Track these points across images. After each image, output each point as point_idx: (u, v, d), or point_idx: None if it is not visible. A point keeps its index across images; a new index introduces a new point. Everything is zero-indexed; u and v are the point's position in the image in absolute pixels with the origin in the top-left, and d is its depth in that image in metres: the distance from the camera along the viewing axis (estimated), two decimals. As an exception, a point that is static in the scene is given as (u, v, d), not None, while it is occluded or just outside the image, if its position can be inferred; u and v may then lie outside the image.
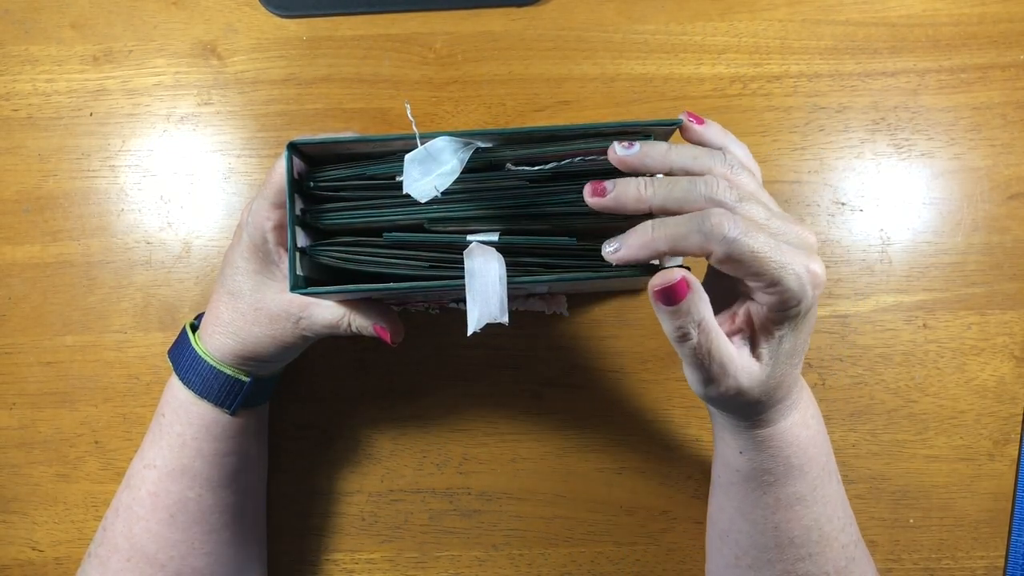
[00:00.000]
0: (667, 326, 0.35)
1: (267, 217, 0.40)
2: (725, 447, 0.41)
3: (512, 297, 0.50)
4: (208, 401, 0.43)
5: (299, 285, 0.37)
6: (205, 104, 0.53)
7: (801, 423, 0.39)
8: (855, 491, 0.52)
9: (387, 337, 0.42)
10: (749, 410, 0.38)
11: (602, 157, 0.37)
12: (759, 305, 0.36)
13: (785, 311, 0.35)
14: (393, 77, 0.52)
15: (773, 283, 0.34)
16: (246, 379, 0.43)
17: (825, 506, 0.40)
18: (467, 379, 0.53)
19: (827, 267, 0.52)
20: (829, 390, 0.52)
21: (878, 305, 0.52)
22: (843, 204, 0.52)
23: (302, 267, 0.38)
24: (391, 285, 0.37)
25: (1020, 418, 0.52)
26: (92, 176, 0.53)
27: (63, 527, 0.53)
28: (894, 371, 0.52)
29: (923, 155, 0.52)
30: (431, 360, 0.53)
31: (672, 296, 0.34)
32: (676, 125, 0.37)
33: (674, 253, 0.35)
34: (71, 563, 0.53)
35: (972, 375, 0.52)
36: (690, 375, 0.37)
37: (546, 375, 0.53)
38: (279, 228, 0.40)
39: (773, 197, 0.37)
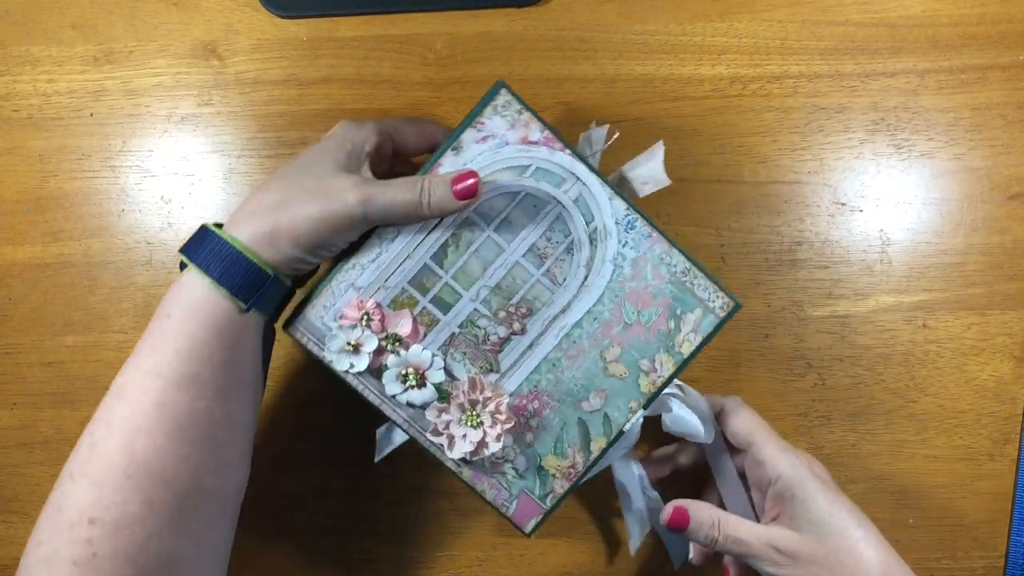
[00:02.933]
0: (695, 543, 0.43)
1: (367, 140, 0.44)
2: None
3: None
4: (225, 289, 0.40)
5: None
6: (205, 104, 0.53)
7: None
8: (855, 491, 0.52)
9: (470, 178, 0.42)
10: None
11: None
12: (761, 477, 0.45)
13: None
14: (393, 78, 0.53)
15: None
16: (271, 272, 0.41)
17: None
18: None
19: (827, 267, 0.52)
20: (829, 390, 0.52)
21: (878, 305, 0.52)
22: (843, 204, 0.52)
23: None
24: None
25: (1020, 418, 0.52)
26: (92, 176, 0.53)
27: (64, 527, 0.53)
28: (894, 371, 0.52)
29: (923, 155, 0.52)
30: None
31: (680, 525, 0.43)
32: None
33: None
34: (72, 563, 0.53)
35: (972, 375, 0.52)
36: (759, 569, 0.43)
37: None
38: (376, 147, 0.44)
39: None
